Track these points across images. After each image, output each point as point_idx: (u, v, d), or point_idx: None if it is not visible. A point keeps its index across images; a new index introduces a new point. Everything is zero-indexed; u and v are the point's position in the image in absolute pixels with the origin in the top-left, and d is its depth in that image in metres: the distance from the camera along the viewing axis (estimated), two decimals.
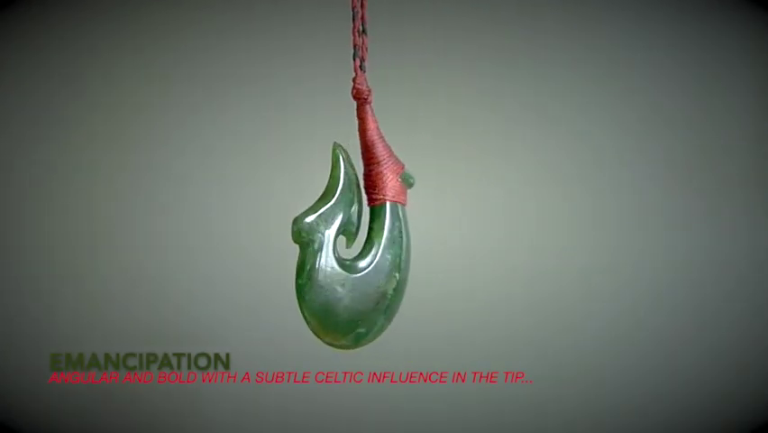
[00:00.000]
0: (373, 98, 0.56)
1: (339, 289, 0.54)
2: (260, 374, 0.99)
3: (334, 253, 0.54)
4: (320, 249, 0.53)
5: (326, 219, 0.54)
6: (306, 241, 0.53)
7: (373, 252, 0.56)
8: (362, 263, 0.56)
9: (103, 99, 1.01)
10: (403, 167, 0.57)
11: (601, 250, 1.00)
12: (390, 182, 0.56)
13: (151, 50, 1.01)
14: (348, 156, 0.56)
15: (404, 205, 0.57)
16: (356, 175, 0.56)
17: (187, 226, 1.00)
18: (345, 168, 0.55)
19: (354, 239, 0.56)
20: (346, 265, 0.55)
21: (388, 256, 0.56)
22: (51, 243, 1.00)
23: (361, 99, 0.56)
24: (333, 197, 0.54)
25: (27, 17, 1.00)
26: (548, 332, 0.99)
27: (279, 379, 0.99)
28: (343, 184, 0.55)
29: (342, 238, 0.56)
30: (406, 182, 0.57)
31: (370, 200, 0.56)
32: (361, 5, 0.55)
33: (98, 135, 1.01)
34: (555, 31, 1.00)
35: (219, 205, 1.00)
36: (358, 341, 0.56)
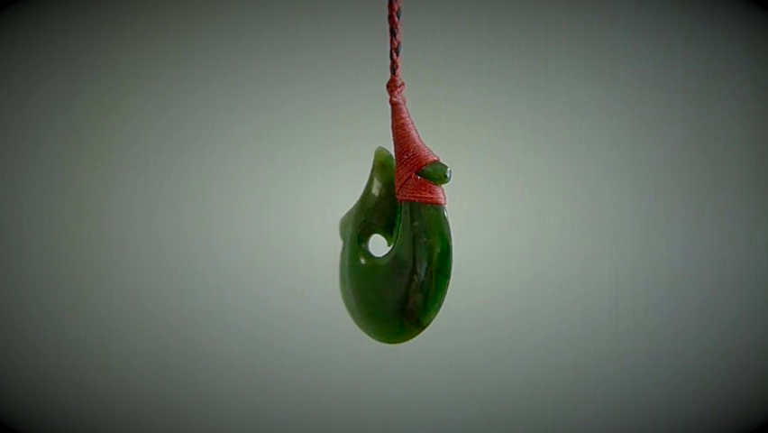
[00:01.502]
0: (401, 95, 0.56)
1: (361, 284, 0.57)
2: (260, 374, 0.99)
3: (360, 252, 0.57)
4: (348, 245, 0.57)
5: (352, 218, 0.57)
6: (341, 237, 0.58)
7: (393, 251, 0.56)
8: (382, 262, 0.56)
9: (103, 99, 1.01)
10: (423, 164, 0.55)
11: (601, 250, 1.00)
12: (403, 180, 0.55)
13: (152, 50, 1.01)
14: (388, 159, 0.56)
15: (429, 202, 0.55)
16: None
17: (189, 227, 1.00)
18: (376, 171, 0.56)
19: (393, 239, 0.57)
20: (369, 262, 0.56)
21: (405, 257, 0.55)
22: (52, 243, 1.00)
23: (391, 90, 0.56)
24: (360, 198, 0.57)
25: (27, 17, 1.00)
26: (548, 332, 0.99)
27: (279, 379, 0.99)
28: (368, 187, 0.57)
29: (381, 238, 0.57)
30: (431, 178, 0.55)
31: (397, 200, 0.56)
32: (392, 8, 0.55)
33: (98, 135, 1.01)
34: (555, 31, 1.00)
35: (220, 205, 1.00)
36: (385, 338, 0.57)
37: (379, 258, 0.56)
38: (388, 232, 0.57)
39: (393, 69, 0.56)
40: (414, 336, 0.57)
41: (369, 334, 0.57)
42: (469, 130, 1.00)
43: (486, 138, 1.00)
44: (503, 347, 1.00)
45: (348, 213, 0.57)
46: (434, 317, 0.56)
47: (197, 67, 1.01)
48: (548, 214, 1.00)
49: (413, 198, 0.55)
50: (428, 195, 0.54)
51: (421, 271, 0.54)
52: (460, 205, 1.00)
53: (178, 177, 1.01)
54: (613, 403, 0.99)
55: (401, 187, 0.55)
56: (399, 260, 0.55)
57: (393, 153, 0.56)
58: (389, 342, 0.57)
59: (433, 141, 0.99)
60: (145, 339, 1.00)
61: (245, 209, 1.00)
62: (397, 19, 0.55)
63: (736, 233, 0.99)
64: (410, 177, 0.55)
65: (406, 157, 0.55)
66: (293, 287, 0.96)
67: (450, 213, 0.99)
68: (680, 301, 0.99)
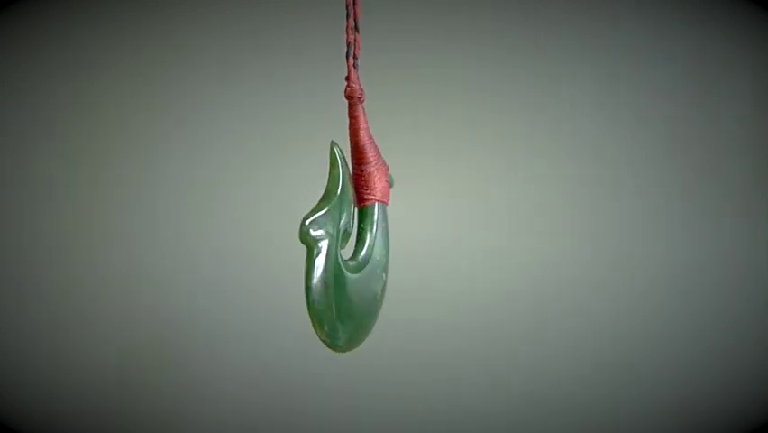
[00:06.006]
0: (365, 98, 0.55)
1: (344, 290, 0.53)
2: (259, 374, 0.99)
3: (340, 255, 0.53)
4: (328, 249, 0.51)
5: (332, 218, 0.52)
6: (314, 241, 0.51)
7: (365, 252, 0.55)
8: (359, 264, 0.55)
9: (102, 99, 1.01)
10: (388, 168, 0.57)
11: (601, 249, 1.00)
12: (380, 182, 0.56)
13: (149, 51, 1.01)
14: (344, 155, 0.54)
15: (386, 205, 0.57)
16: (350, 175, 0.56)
17: (187, 228, 1.00)
18: (343, 166, 0.54)
19: (347, 241, 0.55)
20: (348, 266, 0.54)
21: (377, 257, 0.56)
22: (51, 243, 1.00)
23: (353, 98, 0.55)
24: (336, 195, 0.53)
25: (27, 17, 1.00)
26: (548, 332, 0.99)
27: (279, 379, 0.99)
28: (343, 183, 0.53)
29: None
30: (391, 183, 0.57)
31: (361, 200, 0.56)
32: (354, 3, 0.55)
33: (98, 135, 1.01)
34: (556, 30, 1.00)
35: (218, 206, 1.00)
36: (353, 343, 0.55)
37: (353, 260, 0.55)
38: (347, 232, 0.54)
39: (356, 67, 0.54)
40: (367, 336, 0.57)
41: (342, 344, 0.53)
42: (468, 129, 1.00)
43: (486, 138, 1.00)
44: (503, 347, 1.00)
45: (321, 213, 0.51)
46: None
47: (195, 68, 1.01)
48: (548, 214, 1.00)
49: (384, 201, 0.56)
50: (389, 198, 0.57)
51: (386, 268, 0.56)
52: (460, 205, 1.00)
53: (177, 177, 1.01)
54: (613, 403, 0.99)
55: (379, 189, 0.56)
56: (373, 260, 0.55)
57: (355, 154, 0.56)
58: (352, 347, 0.55)
59: (432, 140, 0.99)
60: (144, 338, 1.00)
61: (244, 208, 1.00)
62: (354, 32, 0.54)
63: (736, 233, 0.99)
64: (384, 180, 0.56)
65: (381, 161, 0.56)
66: (290, 285, 0.96)
67: (452, 214, 0.99)
68: (680, 301, 0.99)
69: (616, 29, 1.00)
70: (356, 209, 0.55)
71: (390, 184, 0.57)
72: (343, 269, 0.52)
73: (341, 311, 0.52)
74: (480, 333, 0.99)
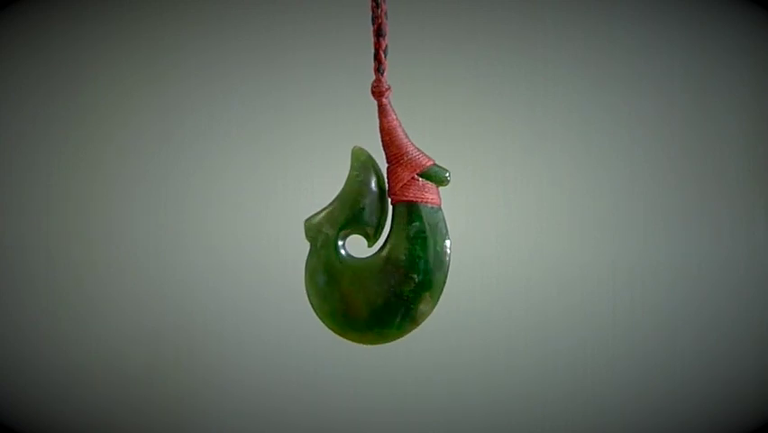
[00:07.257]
0: (390, 97, 0.57)
1: (343, 286, 0.56)
2: (260, 374, 0.99)
3: (341, 251, 0.57)
4: (323, 247, 0.56)
5: (331, 219, 0.56)
6: (311, 239, 0.57)
7: (385, 251, 0.57)
8: (371, 262, 0.56)
9: (102, 99, 1.01)
10: (427, 164, 0.57)
11: (600, 249, 1.00)
12: (403, 181, 0.56)
13: (152, 49, 1.01)
14: (369, 158, 0.57)
15: (430, 203, 0.57)
16: (380, 177, 0.57)
17: (189, 227, 1.00)
18: (360, 170, 0.56)
19: (375, 239, 0.57)
20: (354, 263, 0.56)
21: (402, 257, 0.56)
22: (51, 242, 1.00)
23: (377, 98, 0.57)
24: (342, 198, 0.57)
25: (27, 17, 1.00)
26: (546, 332, 0.99)
27: (279, 379, 0.99)
28: (353, 186, 0.56)
29: (360, 238, 0.57)
30: (433, 180, 0.57)
31: (390, 200, 0.57)
32: (381, 9, 0.56)
33: (97, 135, 1.01)
34: (554, 30, 1.00)
35: (221, 206, 1.00)
36: (375, 338, 0.57)
37: (365, 258, 0.57)
38: (368, 232, 0.57)
39: (381, 71, 0.56)
40: (406, 334, 0.58)
41: (347, 336, 0.57)
42: (467, 129, 1.00)
43: (484, 138, 1.00)
44: (502, 347, 1.00)
45: (321, 214, 0.57)
46: (429, 314, 0.58)
47: (198, 67, 1.01)
48: (546, 214, 1.00)
49: (415, 200, 0.56)
50: (431, 196, 0.57)
51: (421, 270, 0.56)
52: (459, 205, 1.00)
53: (178, 178, 1.01)
54: (613, 403, 0.99)
55: (401, 188, 0.56)
56: (393, 260, 0.56)
57: (384, 154, 0.57)
58: (376, 342, 0.57)
59: (430, 140, 0.99)
60: (144, 338, 1.00)
61: (244, 209, 1.00)
62: (384, 20, 0.56)
63: (733, 232, 0.99)
64: (412, 178, 0.56)
65: (406, 159, 0.57)
66: (292, 285, 0.96)
67: (448, 213, 0.99)
68: (678, 301, 0.99)
69: (614, 28, 1.00)
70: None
71: (438, 181, 0.57)
72: (341, 264, 0.56)
73: (345, 305, 0.56)
74: (479, 333, 0.99)
